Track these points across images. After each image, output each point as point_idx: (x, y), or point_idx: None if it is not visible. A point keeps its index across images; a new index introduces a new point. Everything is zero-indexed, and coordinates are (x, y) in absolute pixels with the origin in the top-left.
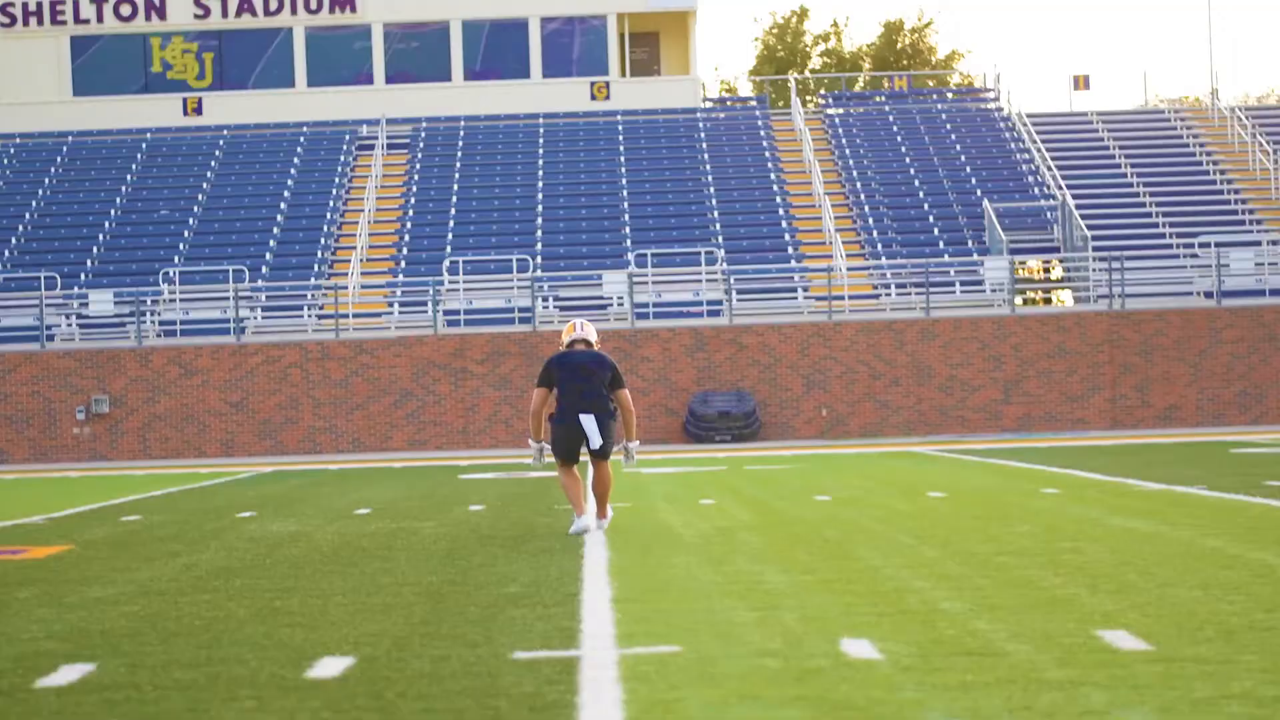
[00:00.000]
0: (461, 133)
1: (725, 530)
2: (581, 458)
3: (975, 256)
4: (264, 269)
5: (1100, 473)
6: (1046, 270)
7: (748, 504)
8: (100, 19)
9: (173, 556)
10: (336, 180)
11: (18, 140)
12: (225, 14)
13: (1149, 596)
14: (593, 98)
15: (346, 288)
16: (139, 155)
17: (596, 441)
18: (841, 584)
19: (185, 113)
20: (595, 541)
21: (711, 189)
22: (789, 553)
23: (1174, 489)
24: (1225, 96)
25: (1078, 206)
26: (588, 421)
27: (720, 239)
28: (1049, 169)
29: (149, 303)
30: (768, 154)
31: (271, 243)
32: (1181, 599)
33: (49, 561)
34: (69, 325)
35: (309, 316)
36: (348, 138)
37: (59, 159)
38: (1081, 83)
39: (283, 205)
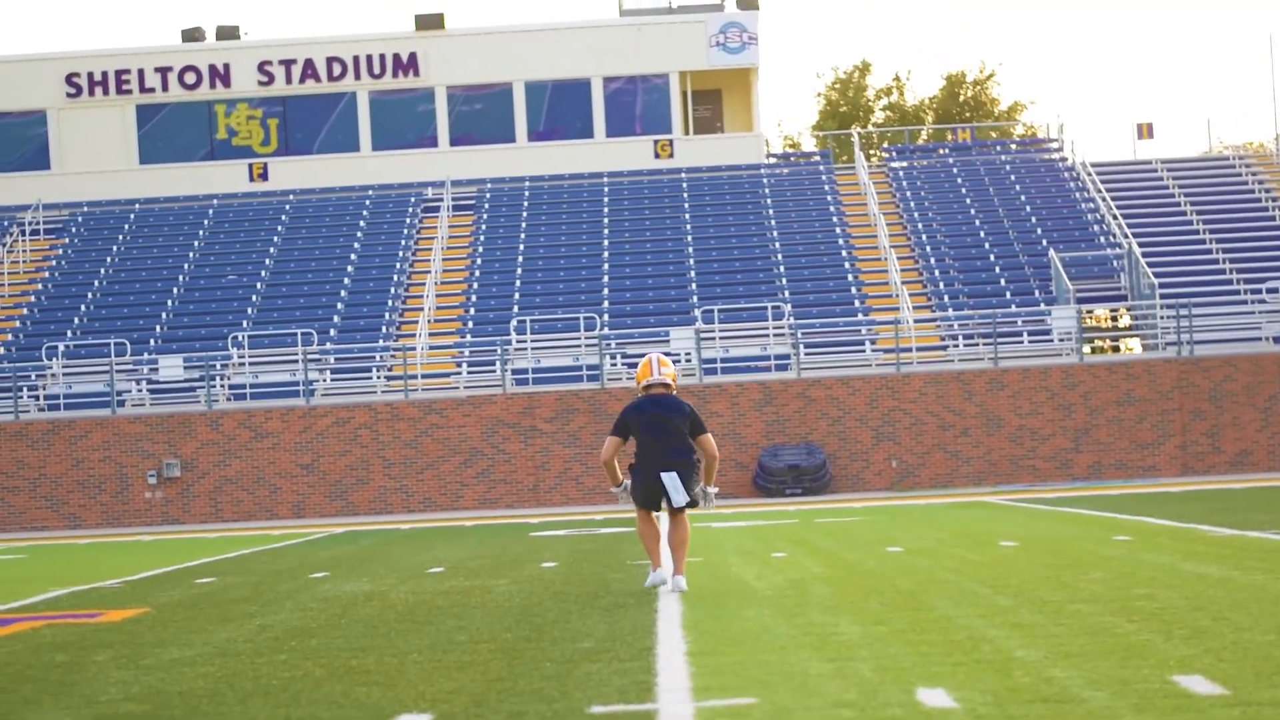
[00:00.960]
0: (526, 193)
1: (798, 582)
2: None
3: (1042, 306)
4: (332, 331)
5: (1171, 519)
6: (1114, 318)
7: (820, 556)
8: (165, 87)
9: (248, 617)
10: (402, 242)
11: (85, 208)
12: (289, 80)
13: (1224, 641)
14: (656, 156)
15: (415, 349)
16: (206, 221)
17: (679, 499)
18: (915, 634)
19: (251, 178)
20: (669, 596)
21: (777, 244)
22: (862, 604)
23: (1245, 534)
24: None
25: (1144, 254)
26: (670, 480)
27: (786, 293)
28: (1114, 217)
29: (218, 367)
30: (832, 208)
31: (339, 305)
32: (1256, 643)
33: (125, 624)
34: (139, 390)
35: (378, 378)
36: (413, 200)
37: (127, 226)
38: (1145, 131)
39: (349, 268)
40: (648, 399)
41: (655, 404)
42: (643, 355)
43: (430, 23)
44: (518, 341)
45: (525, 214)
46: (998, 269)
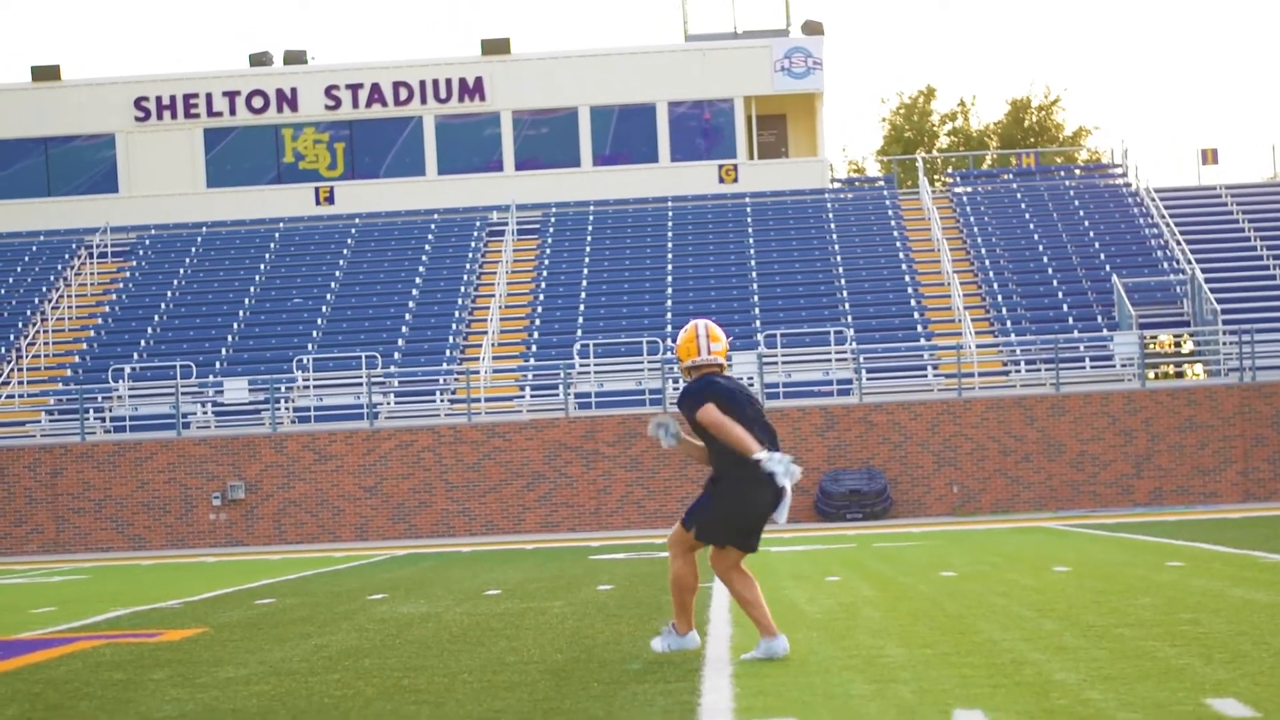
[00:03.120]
0: (591, 217)
1: (849, 606)
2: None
3: (1105, 332)
4: (396, 355)
5: (1227, 545)
6: (1177, 344)
7: (873, 580)
8: (233, 111)
9: (304, 638)
10: (467, 266)
11: (153, 232)
12: (356, 104)
13: (1262, 665)
14: (721, 180)
15: (478, 372)
16: (272, 245)
17: (784, 515)
18: (959, 656)
19: (317, 202)
20: (720, 620)
21: (840, 269)
22: (910, 627)
23: None
24: None
25: (1207, 280)
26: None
27: (849, 318)
28: (1178, 243)
29: (283, 390)
30: (896, 233)
31: (404, 329)
32: None
33: (183, 644)
34: (205, 413)
35: (441, 401)
36: (478, 224)
37: (194, 249)
38: (1210, 156)
39: (414, 291)
40: (725, 379)
41: (738, 384)
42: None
43: (496, 47)
44: (581, 365)
45: (590, 238)
46: (1060, 294)
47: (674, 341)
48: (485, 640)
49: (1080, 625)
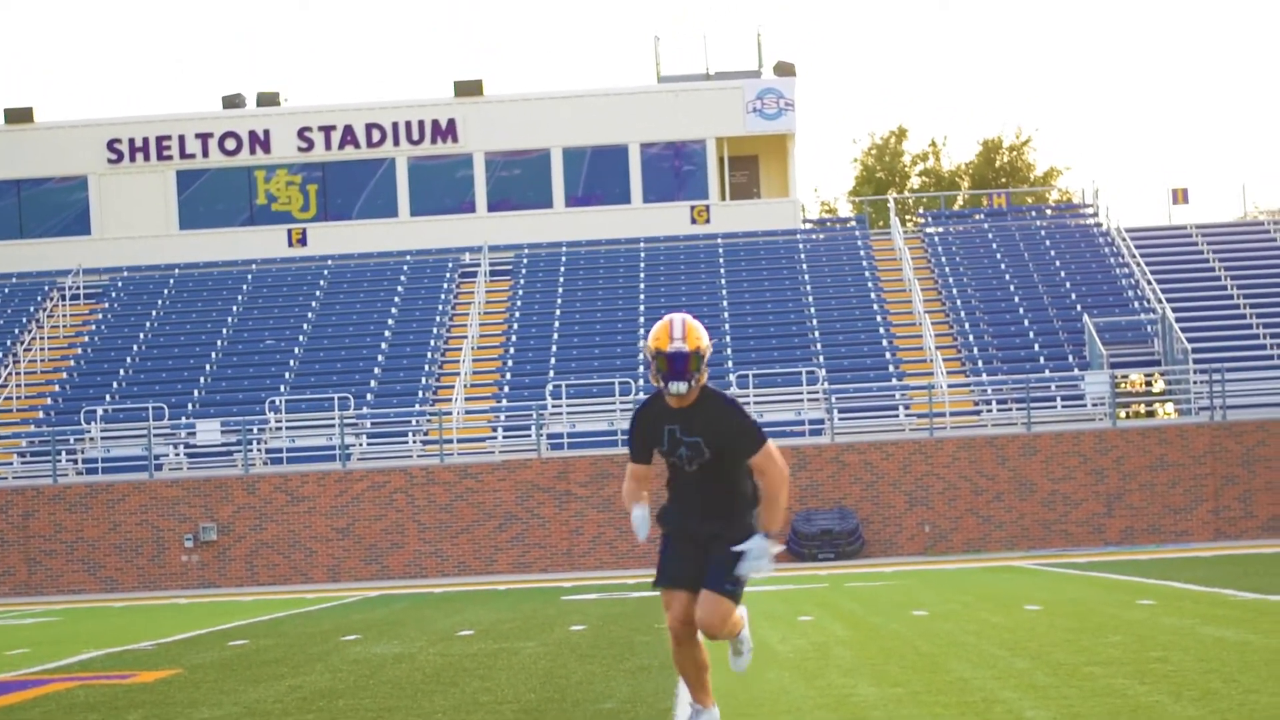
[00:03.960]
0: (563, 258)
1: (821, 645)
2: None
3: (1076, 371)
4: (369, 396)
5: (1197, 584)
6: (1148, 383)
7: (845, 620)
8: (206, 153)
9: (278, 679)
10: (440, 307)
11: (125, 273)
12: (329, 146)
13: (1231, 703)
14: (693, 221)
15: (451, 413)
16: (245, 286)
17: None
18: (930, 695)
19: (290, 244)
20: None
21: (812, 309)
22: (882, 666)
23: (1268, 598)
24: None
25: (1178, 319)
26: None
27: (821, 358)
28: (1148, 282)
29: (255, 431)
30: (868, 273)
31: (376, 370)
32: (1263, 705)
33: (157, 685)
34: (177, 454)
35: (414, 442)
36: (450, 265)
37: (166, 291)
38: (1180, 196)
39: (387, 333)
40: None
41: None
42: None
43: (469, 89)
44: (553, 406)
45: (562, 279)
46: (1031, 334)
47: (644, 381)
48: (459, 681)
49: (1051, 664)
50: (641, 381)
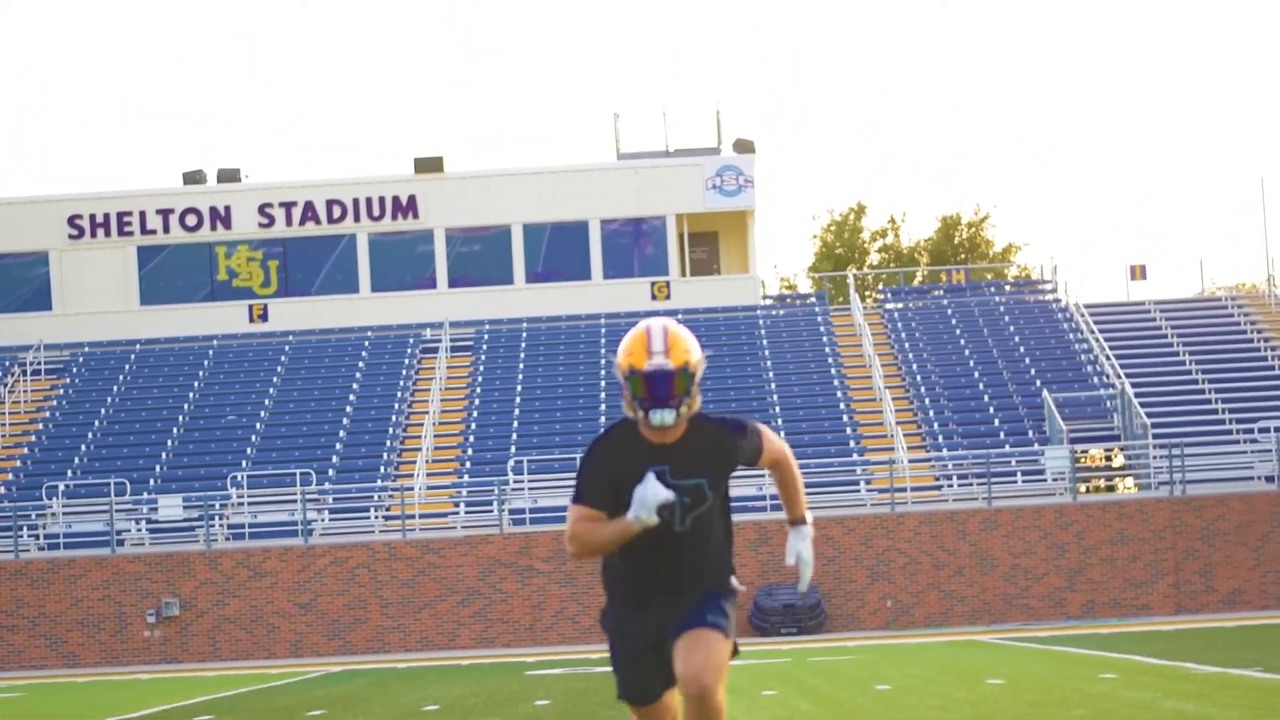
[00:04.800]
0: (524, 334)
1: None
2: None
3: (1036, 446)
4: (330, 471)
5: (1159, 657)
6: (1108, 458)
7: (808, 694)
8: (167, 229)
9: None
10: (401, 383)
11: (86, 349)
12: (290, 222)
13: None
14: (653, 297)
15: (413, 489)
16: (206, 362)
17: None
18: None
19: (251, 319)
20: None
21: (773, 384)
22: None
23: (1229, 671)
24: None
25: (1137, 395)
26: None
27: (782, 434)
28: (1108, 358)
29: (217, 506)
30: (828, 349)
31: (338, 445)
32: None
33: None
34: (139, 530)
35: (376, 517)
36: (411, 341)
37: (127, 366)
38: (1139, 272)
39: (348, 408)
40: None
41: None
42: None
43: (429, 165)
44: (515, 481)
45: (523, 355)
46: (991, 409)
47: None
48: None
49: None
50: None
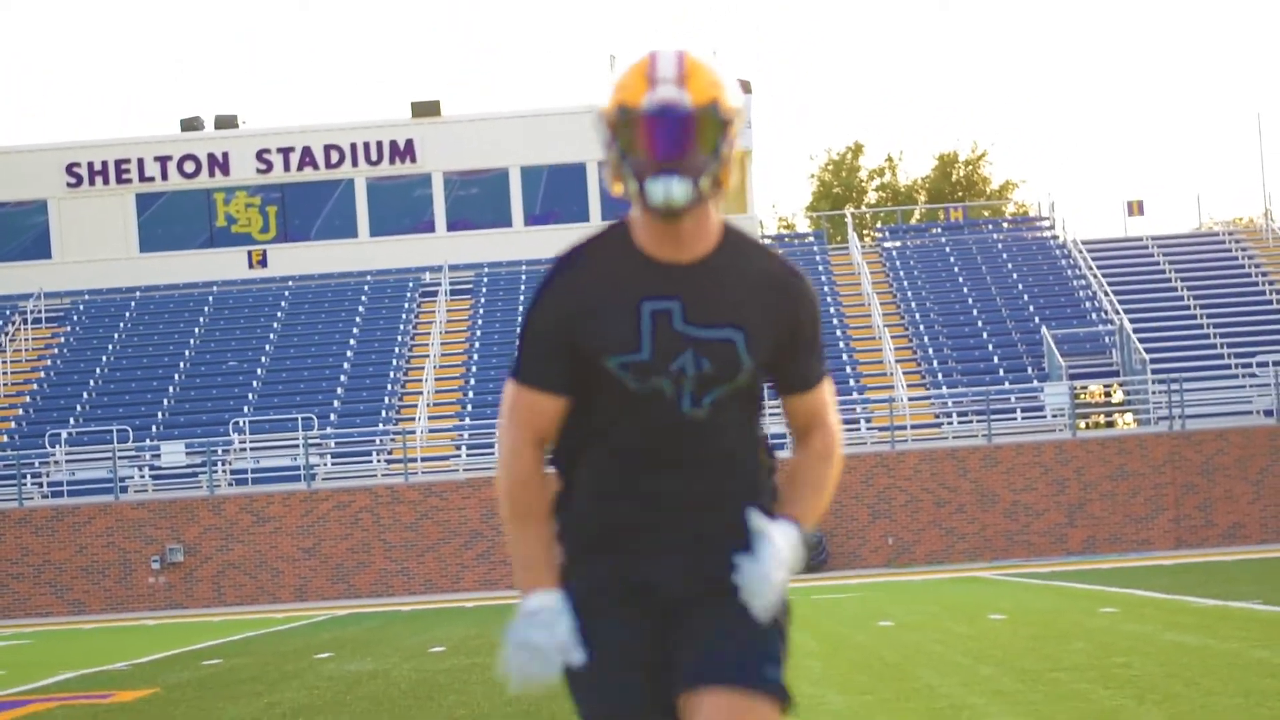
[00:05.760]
0: (523, 276)
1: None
2: None
3: (1035, 383)
4: (332, 416)
5: (1158, 591)
6: (1107, 394)
7: (812, 631)
8: (165, 176)
9: (255, 696)
10: (401, 327)
11: (86, 297)
12: (287, 168)
13: (1192, 705)
14: None
15: (415, 432)
16: (206, 308)
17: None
18: (898, 703)
19: (250, 265)
20: None
21: None
22: (849, 676)
23: (1228, 604)
24: (1279, 216)
25: (1135, 330)
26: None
27: None
28: (1106, 294)
29: (220, 452)
30: (826, 288)
31: (339, 390)
32: (1223, 706)
33: (137, 704)
34: (142, 477)
35: (378, 461)
36: (411, 285)
37: (128, 314)
38: (1136, 208)
39: (349, 353)
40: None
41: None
42: None
43: (426, 110)
44: None
45: (523, 297)
46: (991, 347)
47: None
48: (435, 695)
49: (1016, 670)
50: None
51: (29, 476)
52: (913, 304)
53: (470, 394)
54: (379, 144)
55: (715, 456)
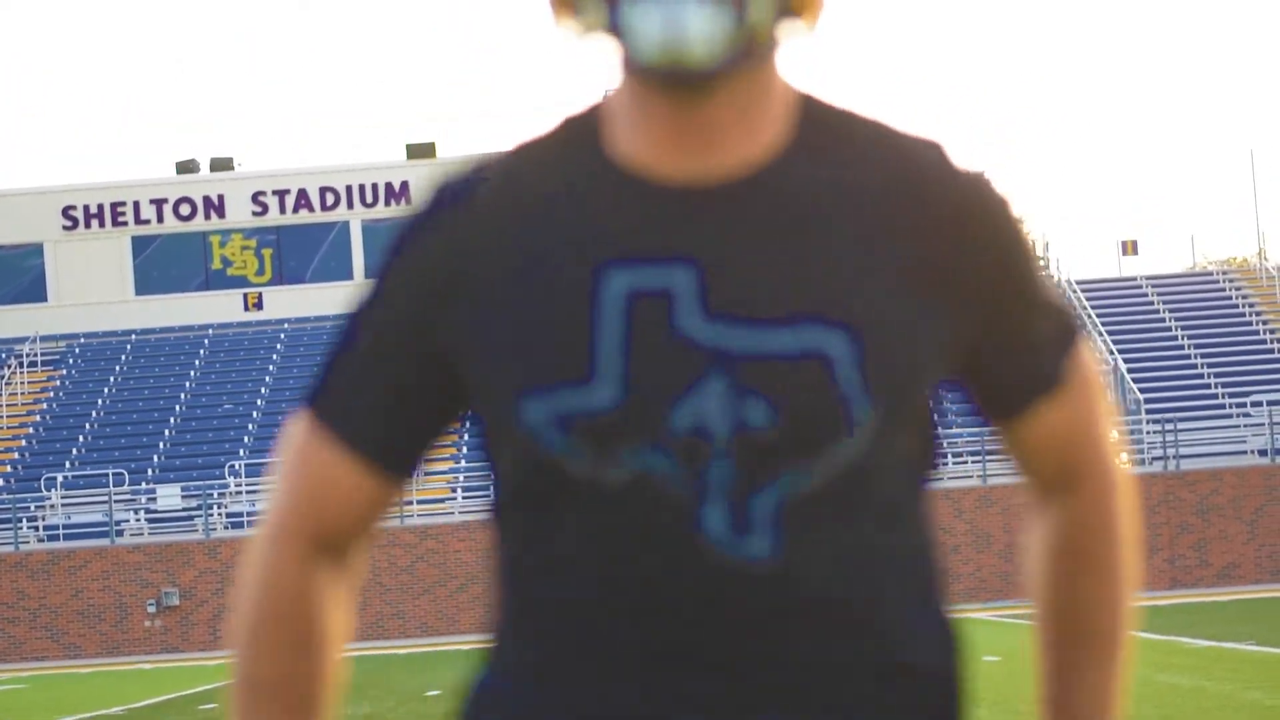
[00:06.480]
0: None
1: None
2: None
3: None
4: None
5: (1153, 632)
6: None
7: None
8: (160, 219)
9: None
10: None
11: (82, 340)
12: (283, 210)
13: None
14: None
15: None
16: (201, 350)
17: None
18: None
19: (246, 307)
20: None
21: None
22: None
23: (1221, 645)
24: (1273, 256)
25: (1129, 370)
26: None
27: None
28: (1100, 334)
29: (216, 495)
30: None
31: None
32: None
33: None
34: (138, 520)
35: None
36: None
37: (124, 357)
38: (1130, 248)
39: None
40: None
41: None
42: None
43: (421, 151)
44: None
45: None
46: None
47: None
48: None
49: (1010, 712)
50: None
51: (25, 520)
52: None
53: (465, 435)
54: (374, 186)
55: (821, 630)
